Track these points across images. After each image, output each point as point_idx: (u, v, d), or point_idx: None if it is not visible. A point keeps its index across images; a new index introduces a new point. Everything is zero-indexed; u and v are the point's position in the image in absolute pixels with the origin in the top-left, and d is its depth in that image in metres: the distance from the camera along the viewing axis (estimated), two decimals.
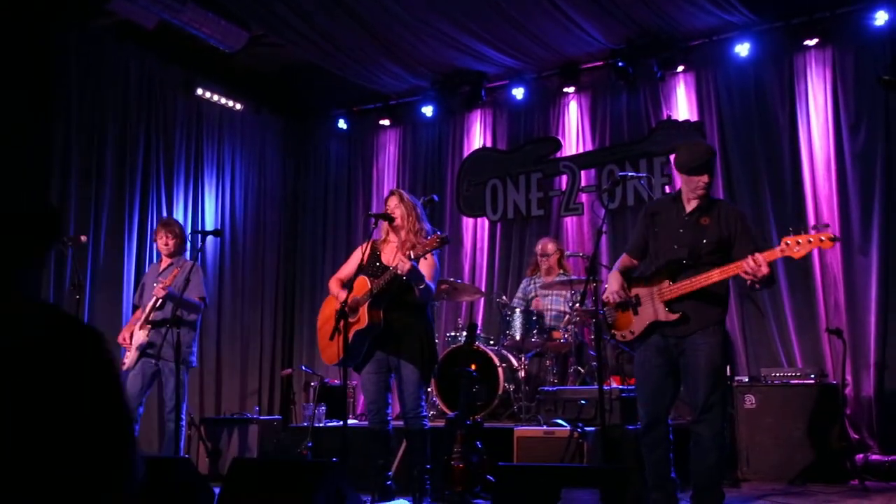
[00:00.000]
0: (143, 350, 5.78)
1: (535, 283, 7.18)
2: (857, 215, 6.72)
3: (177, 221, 6.37)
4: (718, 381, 4.05)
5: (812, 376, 6.12)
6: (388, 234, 4.97)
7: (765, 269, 3.79)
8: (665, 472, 4.16)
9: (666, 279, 4.07)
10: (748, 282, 3.93)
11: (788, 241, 3.82)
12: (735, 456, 6.10)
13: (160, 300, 5.79)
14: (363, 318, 4.68)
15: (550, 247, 7.14)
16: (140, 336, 5.80)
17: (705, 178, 4.08)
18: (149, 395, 6.01)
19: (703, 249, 4.06)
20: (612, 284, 4.26)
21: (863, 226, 6.70)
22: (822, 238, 3.79)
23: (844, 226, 6.75)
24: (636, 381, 4.29)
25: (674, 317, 4.03)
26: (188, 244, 6.35)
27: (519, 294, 7.29)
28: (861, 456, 6.06)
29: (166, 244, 6.09)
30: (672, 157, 4.30)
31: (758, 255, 3.82)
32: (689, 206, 4.17)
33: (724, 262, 4.02)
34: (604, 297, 4.26)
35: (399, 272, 4.53)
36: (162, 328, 5.74)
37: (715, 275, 3.94)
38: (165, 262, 6.15)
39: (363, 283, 4.75)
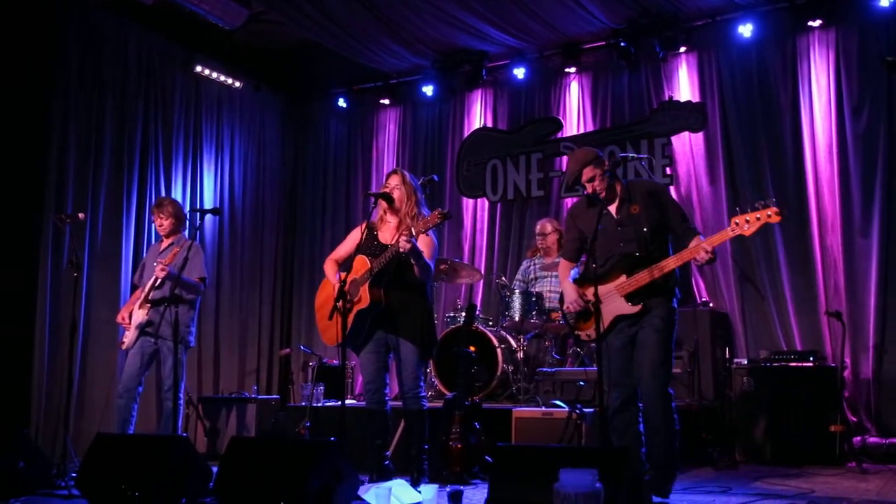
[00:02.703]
0: (142, 329, 5.75)
1: (535, 264, 7.16)
2: (859, 197, 6.70)
3: (171, 201, 6.24)
4: (667, 353, 4.14)
5: (811, 359, 6.13)
6: (385, 213, 4.93)
7: (713, 255, 3.97)
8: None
9: (622, 274, 4.19)
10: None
11: (738, 221, 3.93)
12: (733, 438, 6.13)
13: (160, 279, 5.74)
14: (364, 297, 4.67)
15: (549, 226, 7.11)
16: (140, 315, 5.76)
17: (588, 188, 4.30)
18: (148, 375, 5.98)
19: (648, 238, 4.18)
20: (569, 295, 4.41)
21: (864, 208, 6.67)
22: (769, 213, 3.85)
23: (845, 208, 6.73)
24: (601, 368, 4.32)
25: (636, 308, 4.15)
26: (187, 222, 6.28)
27: (519, 276, 7.26)
28: (859, 438, 6.10)
29: (161, 225, 6.05)
30: None
31: (706, 245, 3.97)
32: (613, 206, 4.31)
33: (666, 241, 4.24)
34: (565, 308, 4.43)
35: (401, 249, 4.50)
36: (160, 306, 5.72)
37: (671, 263, 4.10)
38: (165, 241, 6.10)
39: (363, 263, 4.73)
